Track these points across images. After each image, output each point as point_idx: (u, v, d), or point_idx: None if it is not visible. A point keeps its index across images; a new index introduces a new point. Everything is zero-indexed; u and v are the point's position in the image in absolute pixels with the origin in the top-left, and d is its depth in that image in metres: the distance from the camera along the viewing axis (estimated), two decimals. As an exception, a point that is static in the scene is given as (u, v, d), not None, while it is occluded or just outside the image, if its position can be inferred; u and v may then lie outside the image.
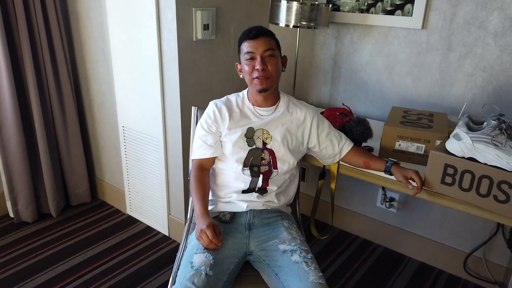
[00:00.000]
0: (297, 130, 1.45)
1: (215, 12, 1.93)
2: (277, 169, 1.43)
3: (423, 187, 1.35)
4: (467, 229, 1.97)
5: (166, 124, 2.03)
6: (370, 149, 1.64)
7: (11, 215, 2.35)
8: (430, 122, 1.55)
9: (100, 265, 2.04)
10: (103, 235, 2.28)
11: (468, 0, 1.70)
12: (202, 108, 1.55)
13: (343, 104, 1.98)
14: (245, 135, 1.42)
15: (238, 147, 1.41)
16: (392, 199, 2.15)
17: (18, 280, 1.93)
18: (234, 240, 1.34)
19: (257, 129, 1.42)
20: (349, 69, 2.12)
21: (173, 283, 1.25)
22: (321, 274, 1.22)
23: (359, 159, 1.50)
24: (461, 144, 1.25)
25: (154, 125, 2.07)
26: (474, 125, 1.34)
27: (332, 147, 1.50)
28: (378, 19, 1.95)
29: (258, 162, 1.41)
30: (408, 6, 1.84)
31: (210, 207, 1.45)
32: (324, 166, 1.63)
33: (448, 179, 1.29)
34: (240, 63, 1.44)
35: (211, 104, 1.47)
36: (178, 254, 1.42)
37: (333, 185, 1.66)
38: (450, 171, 1.27)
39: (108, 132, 2.41)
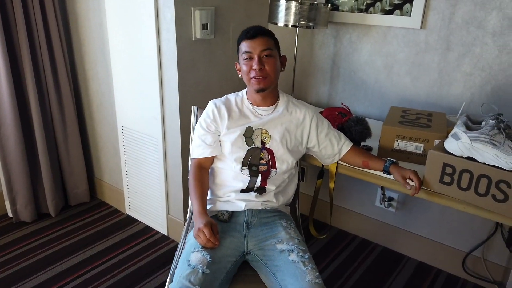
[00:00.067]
0: (296, 129, 1.45)
1: (214, 12, 1.93)
2: (275, 168, 1.43)
3: (422, 187, 1.35)
4: (466, 228, 1.97)
5: (165, 124, 2.03)
6: (369, 149, 1.64)
7: (10, 215, 2.35)
8: (428, 122, 1.56)
9: (99, 265, 2.04)
10: (102, 235, 2.28)
11: (467, 0, 1.71)
12: (202, 107, 1.55)
13: (342, 104, 1.98)
14: (244, 135, 1.42)
15: (237, 147, 1.41)
16: (391, 199, 2.15)
17: (17, 280, 1.92)
18: (232, 239, 1.34)
19: (256, 129, 1.43)
20: (348, 68, 2.12)
21: (171, 281, 1.26)
22: (318, 274, 1.22)
23: (358, 158, 1.50)
24: (459, 143, 1.25)
25: (153, 125, 2.07)
26: (472, 124, 1.34)
27: (332, 147, 1.50)
28: (377, 19, 1.95)
29: (257, 161, 1.42)
30: (407, 5, 1.84)
31: (208, 206, 1.45)
32: (323, 165, 1.63)
33: (447, 179, 1.29)
34: (239, 62, 1.44)
35: (210, 104, 1.47)
36: (177, 253, 1.42)
37: (331, 185, 1.67)
38: (448, 170, 1.28)
39: (107, 132, 2.41)
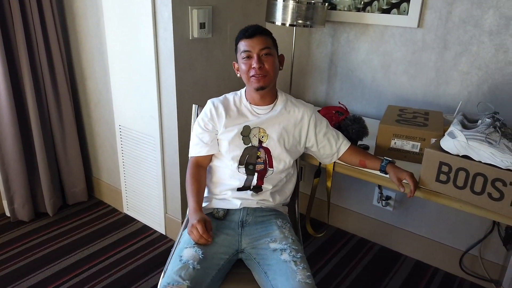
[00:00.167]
0: (294, 129, 1.45)
1: (211, 11, 1.93)
2: (272, 167, 1.43)
3: (418, 185, 1.36)
4: (463, 227, 1.97)
5: (163, 123, 2.03)
6: (366, 148, 1.65)
7: (8, 214, 2.35)
8: (425, 121, 1.56)
9: (97, 264, 2.04)
10: (100, 234, 2.28)
11: (464, -1, 1.71)
12: (202, 106, 1.56)
13: (339, 103, 1.98)
14: (241, 133, 1.42)
15: (234, 145, 1.42)
16: (388, 198, 2.15)
17: (14, 279, 1.92)
18: (226, 236, 1.35)
19: (254, 127, 1.43)
20: (346, 67, 2.13)
21: (164, 276, 1.26)
22: (309, 274, 1.21)
23: (355, 158, 1.50)
24: (455, 142, 1.25)
25: (151, 124, 2.07)
26: (468, 123, 1.35)
27: (330, 147, 1.50)
28: (374, 18, 1.95)
29: (254, 160, 1.42)
30: (404, 4, 1.84)
31: (204, 204, 1.46)
32: (320, 164, 1.64)
33: (443, 177, 1.29)
34: (237, 62, 1.44)
35: (209, 103, 1.48)
36: (172, 250, 1.43)
37: (329, 183, 1.67)
38: (444, 169, 1.28)
39: (105, 131, 2.41)
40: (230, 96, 1.50)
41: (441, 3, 1.76)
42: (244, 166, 1.42)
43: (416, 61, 1.90)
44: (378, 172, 1.45)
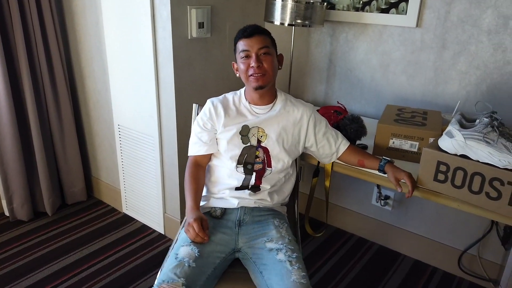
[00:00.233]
0: (293, 128, 1.45)
1: (210, 10, 1.93)
2: (271, 167, 1.43)
3: (416, 185, 1.36)
4: (461, 226, 1.97)
5: (162, 123, 2.03)
6: (364, 147, 1.65)
7: (7, 213, 2.35)
8: (424, 120, 1.56)
9: (96, 263, 2.04)
10: (99, 234, 2.28)
11: (462, -2, 1.72)
12: (203, 105, 1.56)
13: (338, 102, 1.99)
14: (240, 133, 1.42)
15: (233, 145, 1.42)
16: (387, 197, 2.16)
17: (13, 279, 1.93)
18: (223, 235, 1.35)
19: (252, 127, 1.43)
20: (344, 67, 2.13)
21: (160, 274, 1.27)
22: (304, 274, 1.21)
23: (354, 157, 1.50)
24: (453, 141, 1.26)
25: (150, 124, 2.07)
26: (466, 122, 1.35)
27: (329, 146, 1.50)
28: (372, 18, 1.95)
29: (252, 160, 1.42)
30: (403, 4, 1.85)
31: (202, 203, 1.46)
32: (318, 164, 1.64)
33: (441, 176, 1.29)
34: (236, 62, 1.44)
35: (208, 102, 1.49)
36: (170, 249, 1.43)
37: (327, 183, 1.67)
38: (442, 168, 1.28)
39: (104, 131, 2.41)
40: (229, 95, 1.50)
41: (439, 3, 1.77)
42: (242, 165, 1.42)
43: (415, 60, 1.90)
44: (376, 172, 1.46)
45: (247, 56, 1.38)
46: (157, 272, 1.99)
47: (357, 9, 1.99)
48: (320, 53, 2.19)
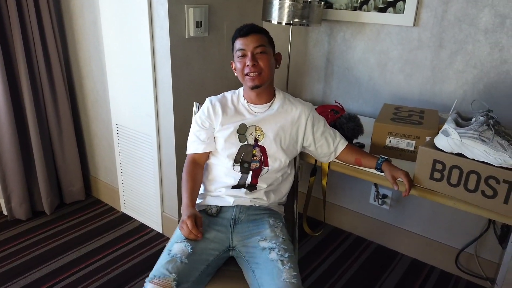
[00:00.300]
0: (291, 127, 1.46)
1: (207, 10, 1.93)
2: (267, 166, 1.43)
3: (414, 183, 1.36)
4: (459, 225, 1.98)
5: (159, 122, 2.04)
6: (361, 146, 1.65)
7: (5, 212, 2.36)
8: (420, 119, 1.56)
9: (94, 262, 2.05)
10: (97, 233, 2.29)
11: (459, -3, 1.72)
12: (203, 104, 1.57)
13: (335, 101, 1.99)
14: (237, 131, 1.43)
15: (230, 143, 1.42)
16: (385, 196, 2.16)
17: (11, 277, 1.93)
18: (217, 233, 1.36)
19: (250, 126, 1.43)
20: (342, 66, 2.13)
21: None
22: (295, 273, 1.21)
23: (351, 156, 1.51)
24: (449, 140, 1.26)
25: (147, 123, 2.07)
26: (462, 121, 1.35)
27: (327, 146, 1.50)
28: (370, 17, 1.95)
29: (249, 158, 1.42)
30: (400, 3, 1.85)
31: (199, 200, 1.47)
32: (315, 163, 1.64)
33: (437, 175, 1.29)
34: (234, 61, 1.45)
35: (206, 101, 1.50)
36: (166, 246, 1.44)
37: (324, 182, 1.67)
38: (438, 166, 1.28)
39: (102, 130, 2.41)
40: (228, 94, 1.51)
41: (436, 2, 1.77)
42: (239, 164, 1.42)
43: (412, 59, 1.90)
44: (373, 170, 1.46)
45: (243, 55, 1.39)
46: (155, 271, 2.00)
47: (354, 8, 1.99)
48: (318, 52, 2.19)
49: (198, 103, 1.63)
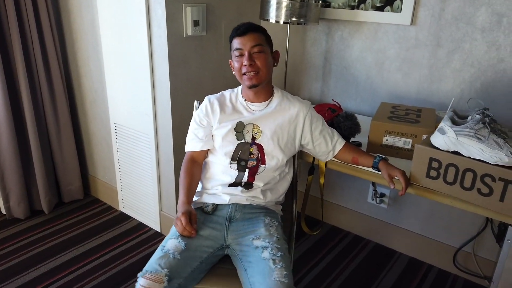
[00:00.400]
0: (289, 126, 1.46)
1: (205, 8, 1.93)
2: (264, 164, 1.44)
3: (410, 181, 1.36)
4: (456, 224, 1.98)
5: (157, 121, 2.04)
6: (359, 144, 1.65)
7: (3, 211, 2.36)
8: (417, 117, 1.57)
9: (92, 261, 2.05)
10: (95, 232, 2.29)
11: (456, -4, 1.72)
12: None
13: (333, 100, 1.99)
14: (235, 129, 1.43)
15: (227, 141, 1.43)
16: (382, 195, 2.16)
17: (9, 276, 1.93)
18: (212, 231, 1.36)
19: (247, 124, 1.44)
20: (340, 65, 2.13)
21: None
22: (287, 273, 1.20)
23: (348, 155, 1.51)
24: (445, 138, 1.26)
25: (145, 122, 2.08)
26: (459, 119, 1.35)
27: (326, 144, 1.50)
28: (367, 15, 1.95)
29: (246, 156, 1.42)
30: (397, 2, 1.85)
31: (195, 198, 1.48)
32: (313, 161, 1.64)
33: (433, 173, 1.30)
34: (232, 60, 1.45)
35: (205, 99, 1.50)
36: None
37: (321, 180, 1.67)
38: (434, 164, 1.28)
39: (101, 129, 2.41)
40: (227, 93, 1.52)
41: (434, 1, 1.77)
42: (236, 162, 1.43)
43: (410, 58, 1.91)
44: (371, 169, 1.46)
45: (241, 55, 1.39)
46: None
47: (352, 7, 1.99)
48: (315, 51, 2.19)
49: (198, 102, 1.64)
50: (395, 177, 1.36)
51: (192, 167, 1.46)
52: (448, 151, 1.26)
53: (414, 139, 1.48)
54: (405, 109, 1.67)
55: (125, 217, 2.43)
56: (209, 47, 2.04)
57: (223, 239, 1.36)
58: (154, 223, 2.31)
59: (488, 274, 1.95)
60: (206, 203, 1.45)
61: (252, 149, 1.43)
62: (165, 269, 1.19)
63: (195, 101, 1.65)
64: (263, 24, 2.15)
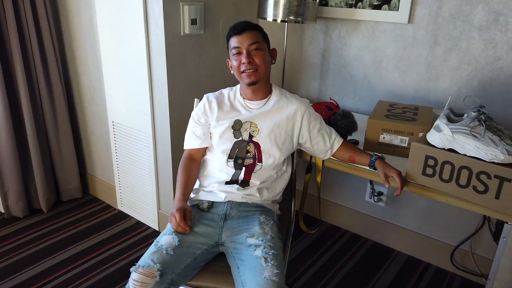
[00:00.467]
0: (286, 124, 1.46)
1: (203, 7, 1.93)
2: (261, 162, 1.44)
3: (406, 179, 1.36)
4: (454, 222, 1.98)
5: (155, 119, 2.04)
6: (356, 142, 1.65)
7: (2, 210, 2.36)
8: (414, 116, 1.57)
9: (90, 259, 2.05)
10: (94, 230, 2.29)
11: (453, -6, 1.72)
12: None
13: (330, 99, 1.99)
14: (232, 127, 1.44)
15: (225, 139, 1.44)
16: (380, 193, 2.16)
17: (8, 274, 1.93)
18: (207, 228, 1.36)
19: (245, 122, 1.44)
20: (338, 64, 2.13)
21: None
22: (278, 271, 1.20)
23: (345, 153, 1.51)
24: (441, 135, 1.26)
25: (143, 120, 2.08)
26: (455, 117, 1.35)
27: (324, 143, 1.50)
28: (365, 14, 1.95)
29: (243, 154, 1.43)
30: (395, 0, 1.85)
31: (192, 195, 1.49)
32: (310, 160, 1.64)
33: (429, 171, 1.30)
34: (230, 59, 1.45)
35: (204, 97, 1.51)
36: None
37: (318, 178, 1.68)
38: (430, 162, 1.29)
39: (99, 128, 2.42)
40: (225, 91, 1.53)
41: (431, -1, 1.77)
42: (233, 160, 1.43)
43: (407, 56, 1.91)
44: (367, 167, 1.46)
45: (239, 53, 1.39)
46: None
47: (349, 6, 1.99)
48: (313, 49, 2.19)
49: (198, 100, 1.64)
50: (391, 177, 1.36)
51: (189, 165, 1.47)
52: (444, 149, 1.26)
53: (411, 137, 1.48)
54: (402, 107, 1.67)
55: (123, 216, 2.44)
56: (207, 46, 2.04)
57: (217, 236, 1.37)
58: (152, 222, 2.32)
59: (486, 272, 1.95)
60: (202, 200, 1.45)
61: (249, 147, 1.43)
62: (158, 264, 1.20)
63: (195, 99, 1.65)
64: (260, 22, 2.16)
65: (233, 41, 1.40)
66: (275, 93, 1.49)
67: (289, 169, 1.56)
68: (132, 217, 2.42)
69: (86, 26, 2.20)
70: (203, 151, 1.50)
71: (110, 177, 2.49)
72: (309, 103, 1.50)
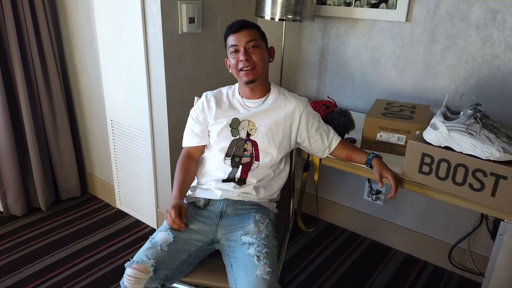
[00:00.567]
0: (284, 122, 1.46)
1: (201, 5, 1.94)
2: (258, 161, 1.44)
3: (402, 177, 1.36)
4: (452, 221, 1.98)
5: (153, 118, 2.04)
6: (353, 141, 1.65)
7: (1, 209, 2.36)
8: (411, 114, 1.57)
9: (89, 258, 2.06)
10: (92, 229, 2.30)
11: (451, -7, 1.72)
12: None
13: (328, 97, 1.99)
14: (230, 125, 1.44)
15: (222, 137, 1.44)
16: (378, 192, 2.16)
17: (7, 272, 1.94)
18: (203, 225, 1.37)
19: (243, 120, 1.44)
20: (336, 62, 2.13)
21: None
22: (270, 270, 1.19)
23: (343, 152, 1.51)
24: (437, 133, 1.26)
25: (141, 119, 2.08)
26: (451, 114, 1.35)
27: (322, 141, 1.50)
28: (363, 12, 1.96)
29: (241, 153, 1.43)
30: (392, -1, 1.85)
31: (189, 193, 1.50)
32: (308, 158, 1.64)
33: (425, 168, 1.30)
34: (228, 58, 1.46)
35: (203, 95, 1.52)
36: None
37: (316, 177, 1.68)
38: (427, 160, 1.29)
39: (98, 126, 2.42)
40: (224, 89, 1.53)
41: (428, -3, 1.77)
42: (230, 158, 1.43)
43: (405, 55, 1.91)
44: (365, 165, 1.46)
45: (236, 51, 1.40)
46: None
47: (347, 4, 2.00)
48: (311, 48, 2.19)
49: (198, 98, 1.64)
50: (385, 178, 1.36)
51: (187, 162, 1.48)
52: (440, 147, 1.27)
53: (408, 135, 1.48)
54: (399, 106, 1.67)
55: (122, 215, 2.44)
56: (205, 44, 2.04)
57: (213, 234, 1.37)
58: (150, 220, 2.32)
59: (484, 271, 1.94)
60: (199, 197, 1.46)
61: (246, 145, 1.43)
62: (152, 260, 1.21)
63: (195, 97, 1.65)
64: (258, 21, 2.16)
65: (231, 39, 1.40)
66: (274, 91, 1.50)
67: (287, 168, 1.56)
68: (131, 216, 2.43)
69: (84, 24, 2.20)
70: (201, 149, 1.51)
71: (109, 175, 2.49)
72: (307, 102, 1.50)
